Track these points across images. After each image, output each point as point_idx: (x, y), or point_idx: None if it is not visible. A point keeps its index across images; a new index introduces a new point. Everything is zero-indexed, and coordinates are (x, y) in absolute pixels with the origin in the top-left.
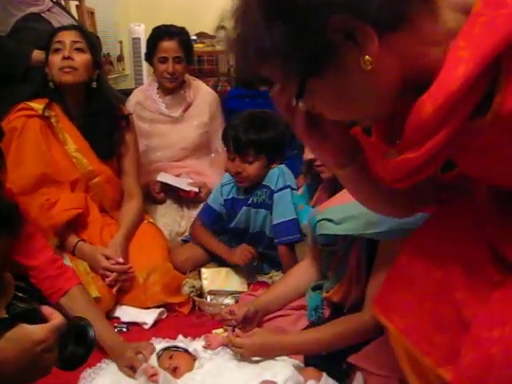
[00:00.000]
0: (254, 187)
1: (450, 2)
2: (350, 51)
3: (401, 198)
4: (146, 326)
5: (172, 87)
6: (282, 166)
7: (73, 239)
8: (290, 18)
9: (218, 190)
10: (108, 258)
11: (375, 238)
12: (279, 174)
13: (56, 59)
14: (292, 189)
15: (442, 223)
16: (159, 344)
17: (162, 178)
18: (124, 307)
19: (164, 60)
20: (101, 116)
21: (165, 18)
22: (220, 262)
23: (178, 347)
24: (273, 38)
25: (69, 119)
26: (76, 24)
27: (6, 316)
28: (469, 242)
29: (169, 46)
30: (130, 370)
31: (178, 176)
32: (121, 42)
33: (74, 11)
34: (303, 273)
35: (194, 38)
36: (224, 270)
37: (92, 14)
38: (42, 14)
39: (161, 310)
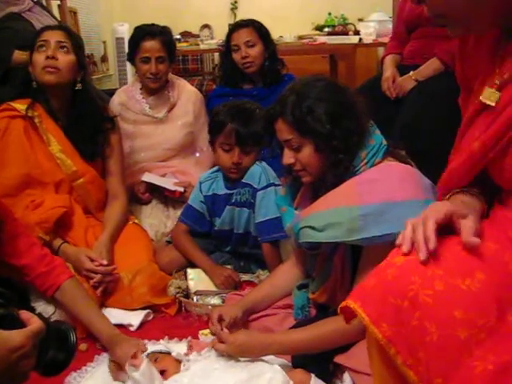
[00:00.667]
0: (235, 182)
1: None
2: None
3: None
4: (132, 328)
5: (155, 87)
6: (263, 163)
7: (57, 242)
8: None
9: (197, 187)
10: (92, 260)
11: (358, 244)
12: (261, 172)
13: (39, 58)
14: (276, 185)
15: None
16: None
17: (147, 178)
18: (109, 309)
19: (146, 60)
20: (85, 117)
21: (149, 18)
22: None
23: (162, 351)
24: None
25: (53, 120)
26: (62, 24)
27: None
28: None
29: (151, 45)
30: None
31: (163, 176)
32: (104, 42)
33: (56, 11)
34: (288, 273)
35: (178, 37)
36: None
37: (75, 13)
38: (22, 14)
39: (147, 311)
